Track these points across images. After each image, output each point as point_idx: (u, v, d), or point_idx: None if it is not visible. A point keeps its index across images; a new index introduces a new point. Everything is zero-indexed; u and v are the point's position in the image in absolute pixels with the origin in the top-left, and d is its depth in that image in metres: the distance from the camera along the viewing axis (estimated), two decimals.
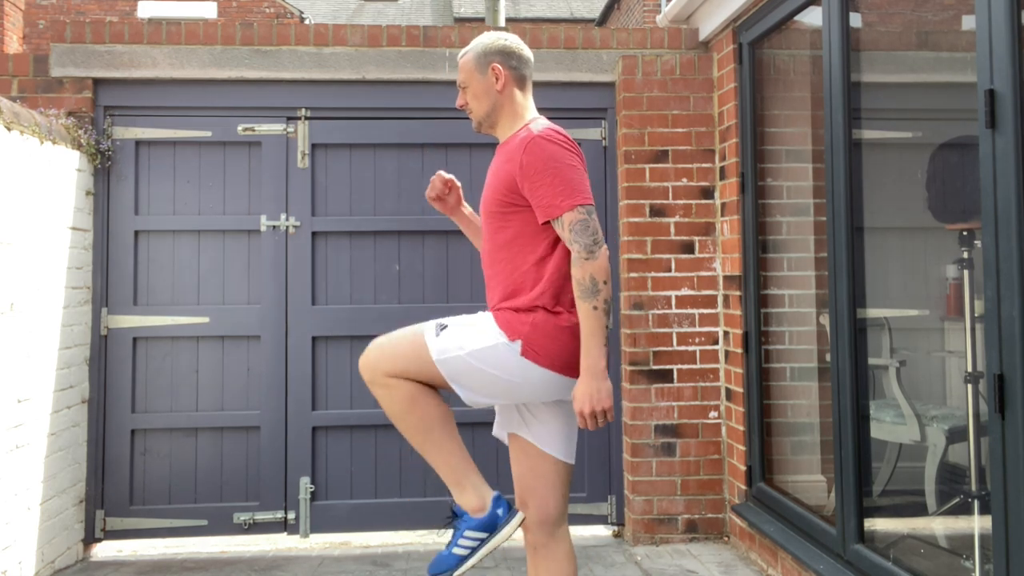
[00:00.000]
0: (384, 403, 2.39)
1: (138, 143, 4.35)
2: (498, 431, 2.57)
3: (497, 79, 2.46)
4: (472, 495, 2.38)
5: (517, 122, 2.48)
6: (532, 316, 2.32)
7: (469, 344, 2.31)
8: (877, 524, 3.24)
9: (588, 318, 2.23)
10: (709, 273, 4.31)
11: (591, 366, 2.22)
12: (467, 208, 2.77)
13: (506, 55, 2.48)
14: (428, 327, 2.38)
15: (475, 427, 4.09)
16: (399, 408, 2.36)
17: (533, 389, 2.35)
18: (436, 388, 2.41)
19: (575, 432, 2.52)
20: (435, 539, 4.33)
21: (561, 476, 2.46)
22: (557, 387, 2.35)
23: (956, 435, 3.20)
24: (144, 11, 16.66)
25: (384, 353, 2.38)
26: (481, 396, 2.41)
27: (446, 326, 2.37)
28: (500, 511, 2.37)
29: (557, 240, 2.35)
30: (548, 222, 2.31)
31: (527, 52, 2.53)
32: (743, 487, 4.04)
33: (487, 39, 2.52)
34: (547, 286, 2.33)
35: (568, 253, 2.31)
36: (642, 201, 4.32)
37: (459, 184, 2.74)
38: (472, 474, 2.41)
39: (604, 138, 4.51)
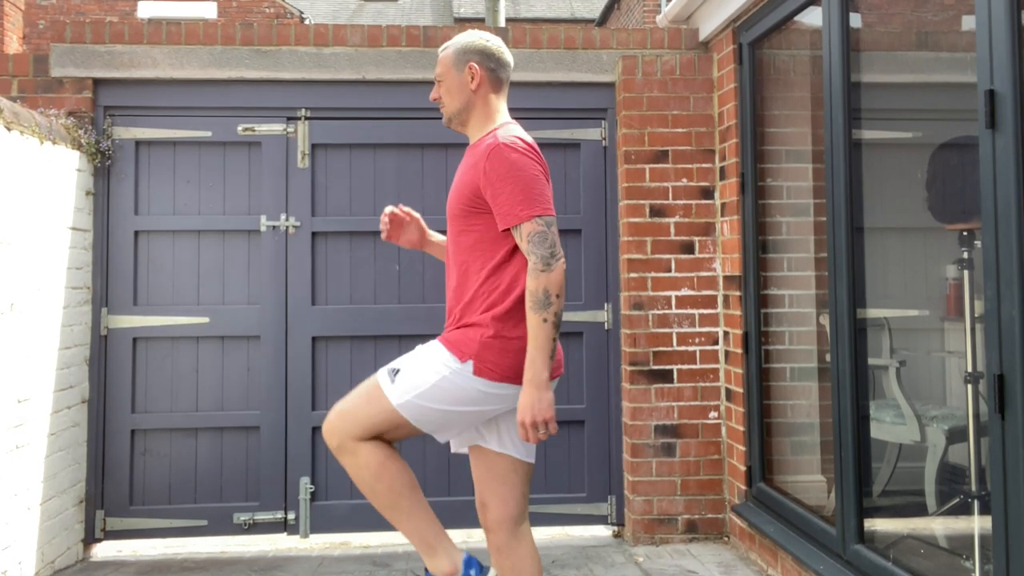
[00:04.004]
0: (352, 471, 2.38)
1: (138, 143, 4.35)
2: (456, 447, 2.56)
3: (472, 78, 2.46)
4: (444, 560, 2.39)
5: (488, 124, 2.47)
6: (481, 331, 2.31)
7: (423, 383, 2.32)
8: (877, 524, 3.24)
9: (536, 330, 2.23)
10: (709, 273, 4.31)
11: (534, 377, 2.23)
12: (436, 236, 2.76)
13: (485, 55, 2.48)
14: (381, 375, 2.39)
15: None
16: (368, 476, 2.36)
17: (495, 404, 2.35)
18: (396, 444, 2.43)
19: None
20: None
21: (520, 475, 2.45)
22: (517, 397, 2.36)
23: (956, 435, 3.20)
24: (144, 11, 16.67)
25: (346, 415, 2.38)
26: (451, 433, 2.43)
27: (398, 370, 2.37)
28: (473, 572, 2.38)
29: (517, 247, 2.34)
30: (508, 230, 2.31)
31: (507, 56, 2.53)
32: (743, 487, 4.04)
33: (469, 37, 2.52)
34: (502, 293, 2.33)
35: (526, 262, 2.31)
36: (642, 201, 4.32)
37: (417, 215, 2.73)
38: (442, 538, 2.42)
39: (604, 138, 4.51)
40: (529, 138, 2.42)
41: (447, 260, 2.52)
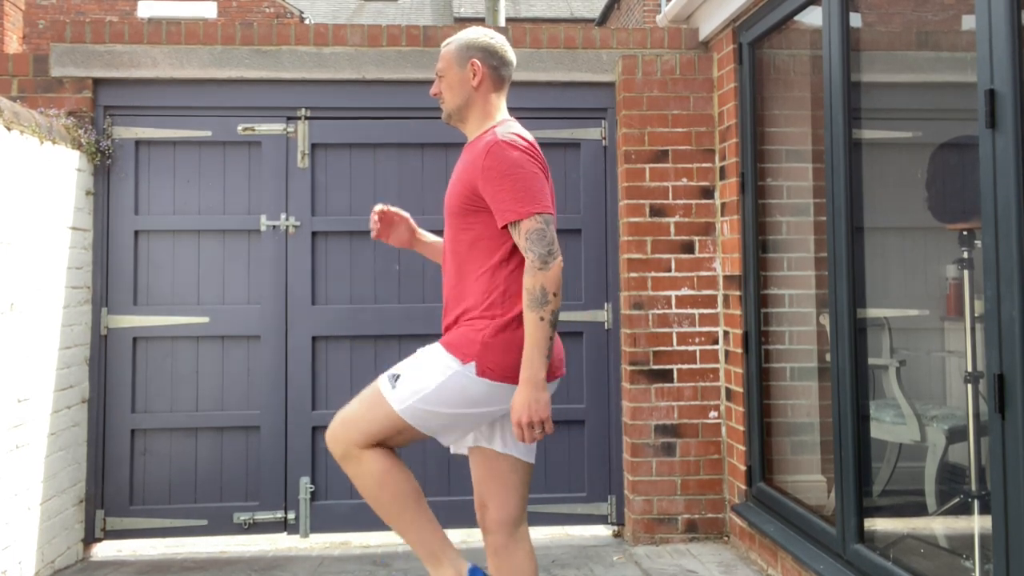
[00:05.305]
0: (356, 480, 2.37)
1: (138, 143, 4.35)
2: (456, 449, 2.52)
3: (474, 75, 2.45)
4: (449, 570, 2.37)
5: (486, 122, 2.45)
6: (482, 332, 2.30)
7: (424, 387, 2.30)
8: (877, 524, 3.24)
9: (534, 328, 2.21)
10: (709, 273, 4.31)
11: (531, 376, 2.21)
12: (426, 236, 2.77)
13: (487, 53, 2.47)
14: (382, 381, 2.37)
15: None
16: (372, 484, 2.35)
17: (499, 405, 2.34)
18: (398, 451, 2.41)
19: None
20: None
21: (520, 476, 2.44)
22: None
23: (956, 435, 3.20)
24: (144, 11, 16.67)
25: (349, 423, 2.37)
26: (455, 435, 2.42)
27: (399, 375, 2.35)
28: None
29: (515, 246, 2.33)
30: (506, 227, 2.29)
31: (510, 55, 2.51)
32: (743, 487, 4.04)
33: (473, 34, 2.51)
34: (502, 292, 2.31)
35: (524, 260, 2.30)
36: (642, 201, 4.32)
37: (406, 215, 2.72)
38: (447, 548, 2.40)
39: (604, 138, 4.51)
40: (529, 136, 2.40)
41: (444, 258, 2.51)
